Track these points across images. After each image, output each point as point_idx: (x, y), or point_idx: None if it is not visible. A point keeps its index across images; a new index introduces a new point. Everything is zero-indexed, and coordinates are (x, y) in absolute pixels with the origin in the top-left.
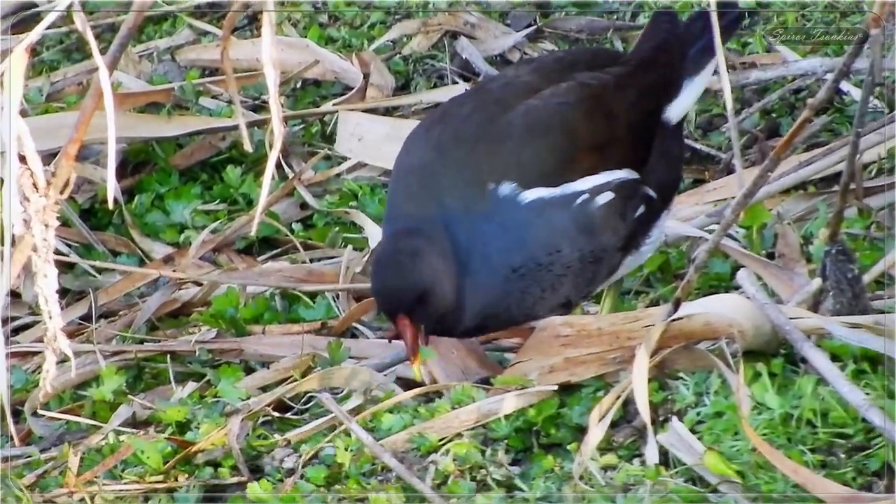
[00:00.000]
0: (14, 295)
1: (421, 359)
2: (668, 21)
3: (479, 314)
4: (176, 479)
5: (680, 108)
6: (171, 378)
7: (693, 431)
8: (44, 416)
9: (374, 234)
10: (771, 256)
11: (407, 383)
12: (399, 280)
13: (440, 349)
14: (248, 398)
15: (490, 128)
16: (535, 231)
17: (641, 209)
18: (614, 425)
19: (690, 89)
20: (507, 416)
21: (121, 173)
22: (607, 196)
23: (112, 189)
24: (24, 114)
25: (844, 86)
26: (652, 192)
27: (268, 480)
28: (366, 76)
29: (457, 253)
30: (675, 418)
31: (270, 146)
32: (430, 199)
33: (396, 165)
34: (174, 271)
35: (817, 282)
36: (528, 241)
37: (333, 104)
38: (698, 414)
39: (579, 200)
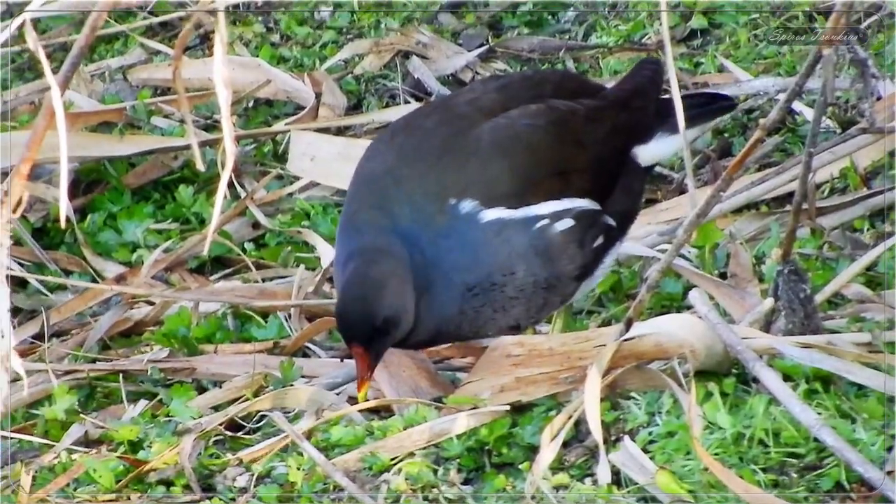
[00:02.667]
0: None
1: (366, 386)
2: (650, 69)
3: (432, 329)
4: (128, 499)
5: (650, 154)
6: (124, 397)
7: (645, 451)
8: (5, 423)
9: (326, 253)
10: (723, 276)
11: (357, 401)
12: (362, 310)
13: (390, 367)
14: (201, 417)
15: (455, 142)
16: (492, 251)
17: (600, 240)
18: (566, 445)
19: (665, 143)
20: (459, 436)
21: (73, 192)
22: (567, 223)
23: (64, 208)
24: None
25: (797, 106)
26: (612, 221)
27: (220, 499)
28: (318, 95)
29: (414, 267)
30: (627, 438)
31: (223, 165)
32: (390, 209)
33: (357, 171)
34: (125, 292)
35: (769, 302)
36: (483, 261)
37: (285, 123)
38: (650, 433)
39: (539, 224)
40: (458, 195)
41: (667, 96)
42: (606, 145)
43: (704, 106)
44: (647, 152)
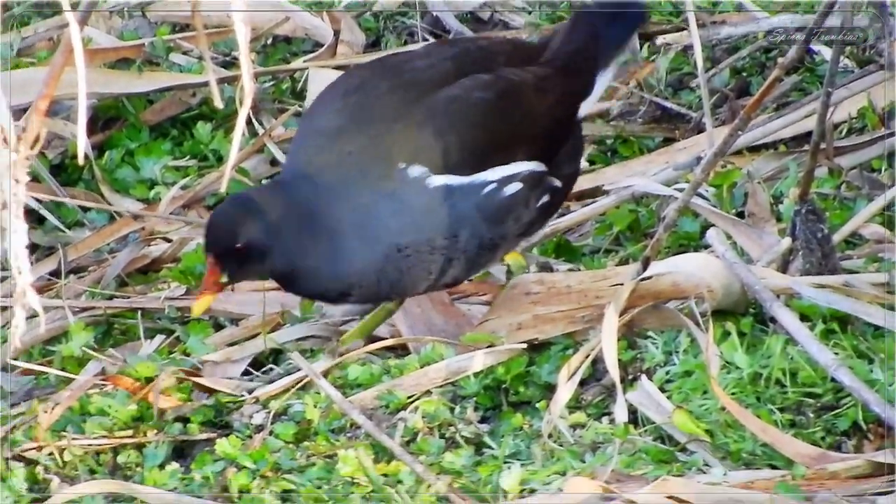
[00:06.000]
0: None
1: (207, 299)
2: (590, 23)
3: (343, 281)
4: (144, 434)
5: (590, 103)
6: (141, 334)
7: (662, 390)
8: (18, 368)
9: None
10: (741, 215)
11: (373, 339)
12: (226, 223)
13: (405, 304)
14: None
15: (408, 110)
16: (437, 215)
17: (546, 198)
18: (583, 384)
19: (601, 83)
20: (476, 374)
21: (91, 129)
22: (515, 186)
23: (82, 145)
24: None
25: (815, 45)
26: (558, 182)
27: (237, 436)
28: (336, 33)
29: (329, 219)
30: (644, 377)
31: (241, 102)
32: (327, 166)
33: (306, 121)
34: (143, 228)
35: (787, 241)
36: (425, 225)
37: (304, 61)
38: (667, 373)
39: (486, 190)
40: (407, 161)
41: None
42: (556, 113)
43: (618, 24)
44: (587, 104)
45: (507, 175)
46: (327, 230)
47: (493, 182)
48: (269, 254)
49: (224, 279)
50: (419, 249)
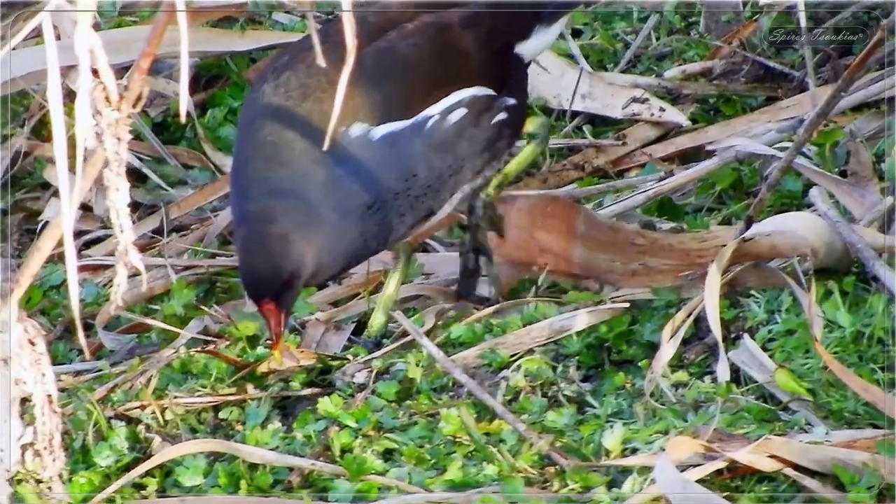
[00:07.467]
0: (85, 209)
1: (284, 344)
2: None
3: (341, 260)
4: (246, 391)
5: (531, 49)
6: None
7: (764, 349)
8: (122, 321)
9: None
10: (843, 174)
11: (479, 300)
12: (267, 267)
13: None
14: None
15: (337, 73)
16: (387, 163)
17: (502, 115)
18: (686, 342)
19: (543, 35)
20: (578, 333)
21: (193, 87)
22: (460, 112)
23: (185, 103)
24: (96, 28)
25: None
26: (512, 100)
27: (339, 395)
28: None
29: (312, 209)
30: (746, 336)
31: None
32: (280, 154)
33: (245, 115)
34: None
35: (889, 200)
36: (380, 176)
37: None
38: (769, 332)
39: (430, 123)
40: (346, 123)
41: None
42: (487, 48)
43: None
44: (529, 48)
45: (449, 105)
46: (313, 217)
47: (434, 115)
48: (301, 274)
49: (286, 316)
50: (385, 200)
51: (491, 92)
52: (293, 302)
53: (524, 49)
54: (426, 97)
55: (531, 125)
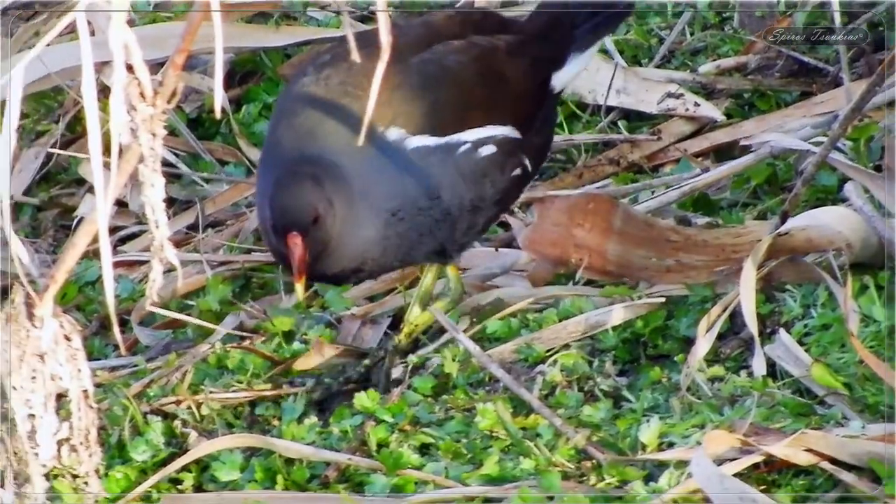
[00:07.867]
0: (121, 204)
1: (304, 281)
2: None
3: (358, 256)
4: (281, 387)
5: (563, 79)
6: (281, 288)
7: (800, 343)
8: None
9: None
10: (878, 169)
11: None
12: (299, 199)
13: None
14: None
15: (383, 76)
16: (417, 176)
17: (517, 171)
18: (721, 337)
19: (576, 64)
20: (614, 328)
21: (228, 83)
22: (490, 149)
23: (219, 98)
24: (131, 23)
25: None
26: (527, 160)
27: (375, 390)
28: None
29: (338, 189)
30: (782, 330)
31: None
32: (318, 138)
33: (281, 105)
34: None
35: None
36: (409, 186)
37: None
38: (805, 326)
39: (462, 149)
40: (385, 124)
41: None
42: (528, 78)
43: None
44: (561, 78)
45: (482, 137)
46: (345, 186)
47: (467, 142)
48: (332, 215)
49: (311, 253)
50: (409, 212)
51: (517, 135)
52: (318, 245)
53: (557, 79)
54: (462, 116)
55: (451, 277)
